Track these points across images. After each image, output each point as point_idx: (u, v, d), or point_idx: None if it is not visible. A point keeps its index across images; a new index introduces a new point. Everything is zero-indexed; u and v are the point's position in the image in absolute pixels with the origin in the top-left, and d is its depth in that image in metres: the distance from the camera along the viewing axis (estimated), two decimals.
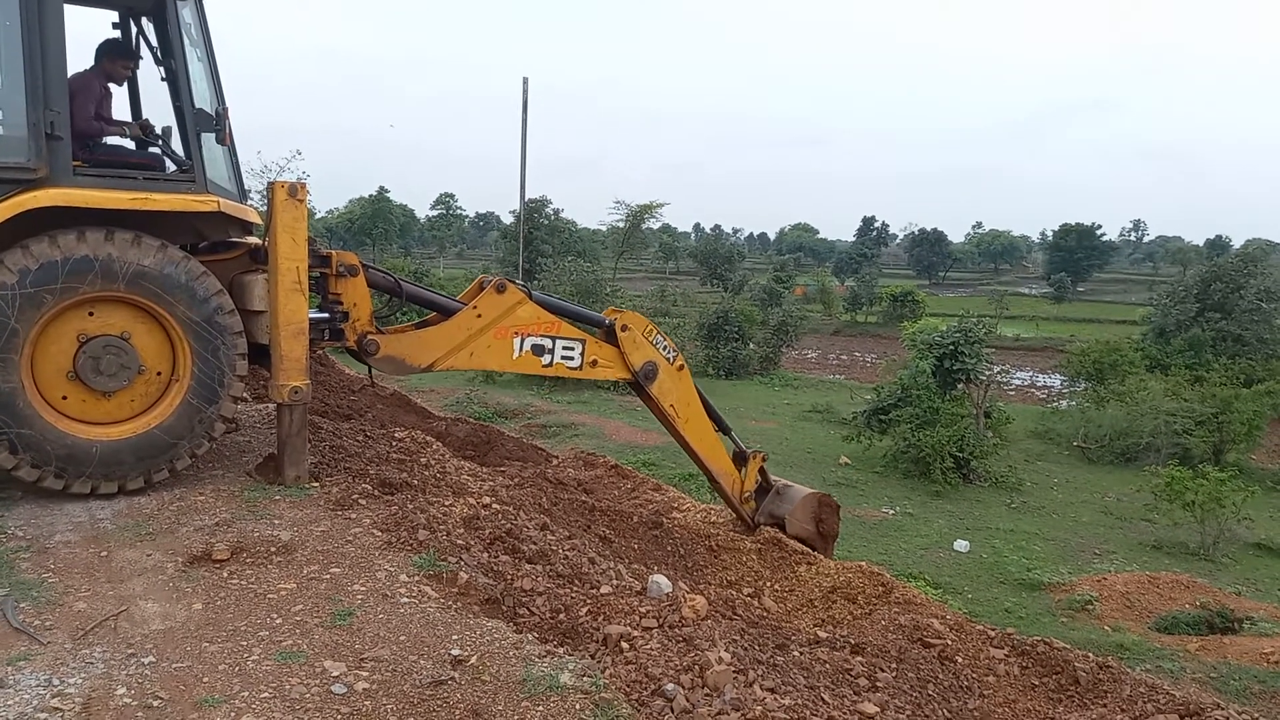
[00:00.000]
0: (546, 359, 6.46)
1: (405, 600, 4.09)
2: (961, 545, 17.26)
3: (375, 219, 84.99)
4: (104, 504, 5.05)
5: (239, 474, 5.74)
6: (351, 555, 4.52)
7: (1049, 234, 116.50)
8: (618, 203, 72.22)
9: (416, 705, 3.29)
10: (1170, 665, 10.94)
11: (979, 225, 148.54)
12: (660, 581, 4.82)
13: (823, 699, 4.06)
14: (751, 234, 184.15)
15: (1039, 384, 44.71)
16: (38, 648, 3.49)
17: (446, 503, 5.55)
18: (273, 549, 4.52)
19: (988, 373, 27.52)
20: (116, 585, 4.08)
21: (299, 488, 5.44)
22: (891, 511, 19.39)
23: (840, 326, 64.40)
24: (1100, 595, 14.13)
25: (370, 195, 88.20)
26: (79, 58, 5.36)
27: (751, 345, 39.83)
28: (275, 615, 3.88)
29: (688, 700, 3.52)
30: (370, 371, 6.39)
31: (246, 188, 6.46)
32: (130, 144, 5.92)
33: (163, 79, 5.80)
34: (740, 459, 7.57)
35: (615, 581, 5.06)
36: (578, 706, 3.34)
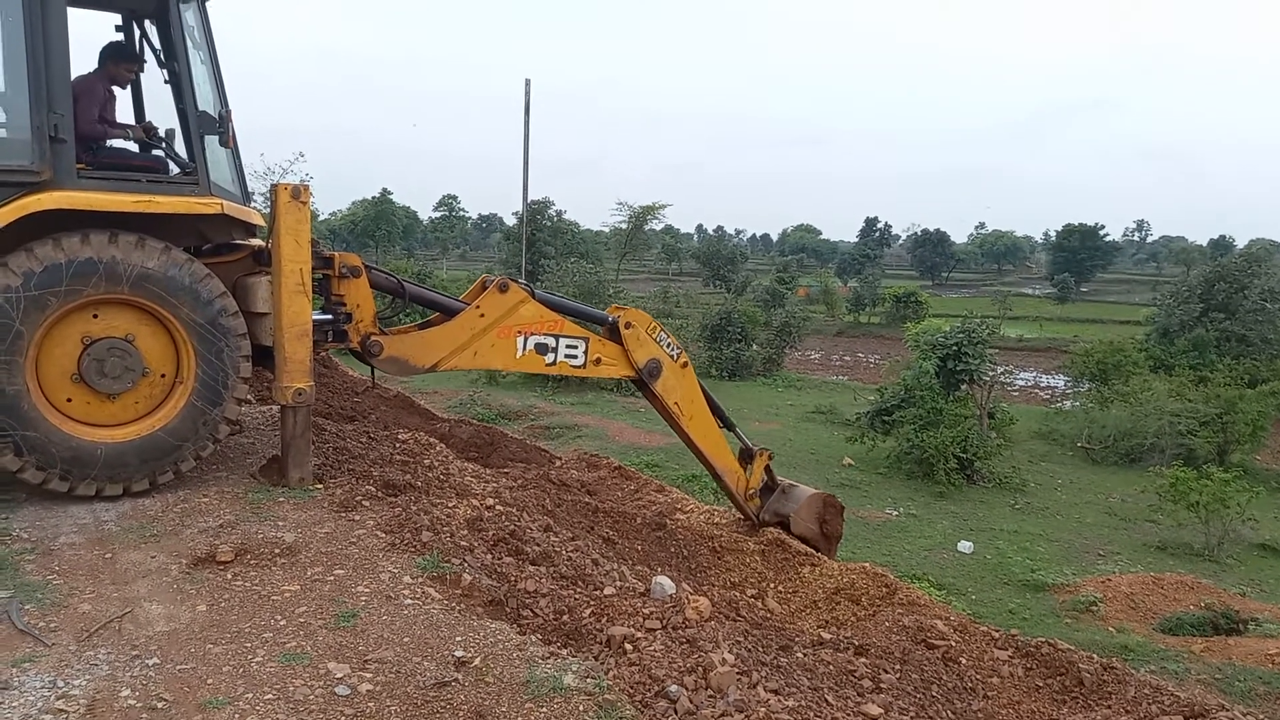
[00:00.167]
0: (550, 358, 6.47)
1: (409, 602, 4.09)
2: (965, 546, 17.24)
3: (378, 221, 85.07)
4: (108, 506, 5.06)
5: (243, 476, 5.75)
6: (355, 557, 4.52)
7: (1052, 234, 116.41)
8: (620, 204, 72.20)
9: (420, 707, 3.29)
10: (1175, 667, 10.91)
11: (982, 226, 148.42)
12: (664, 583, 4.82)
13: (826, 700, 4.06)
14: (754, 235, 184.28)
15: (1043, 385, 44.63)
16: (42, 649, 3.50)
17: (450, 504, 5.56)
18: (277, 551, 4.52)
19: (991, 373, 27.49)
20: (121, 587, 4.08)
21: (303, 489, 5.45)
22: (895, 513, 19.37)
23: (843, 327, 64.34)
24: (1105, 596, 14.10)
25: (373, 197, 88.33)
26: (82, 60, 5.37)
27: (754, 346, 39.83)
28: (279, 617, 3.88)
29: (691, 702, 3.52)
30: (373, 373, 6.40)
31: (249, 190, 6.47)
32: (134, 147, 5.93)
33: (166, 81, 5.81)
34: (746, 456, 7.58)
35: (619, 583, 5.06)
36: (581, 708, 3.34)
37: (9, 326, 4.71)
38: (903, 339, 42.66)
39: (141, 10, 5.92)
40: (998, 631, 5.77)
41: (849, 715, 3.94)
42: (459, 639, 3.79)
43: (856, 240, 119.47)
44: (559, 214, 62.39)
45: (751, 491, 7.59)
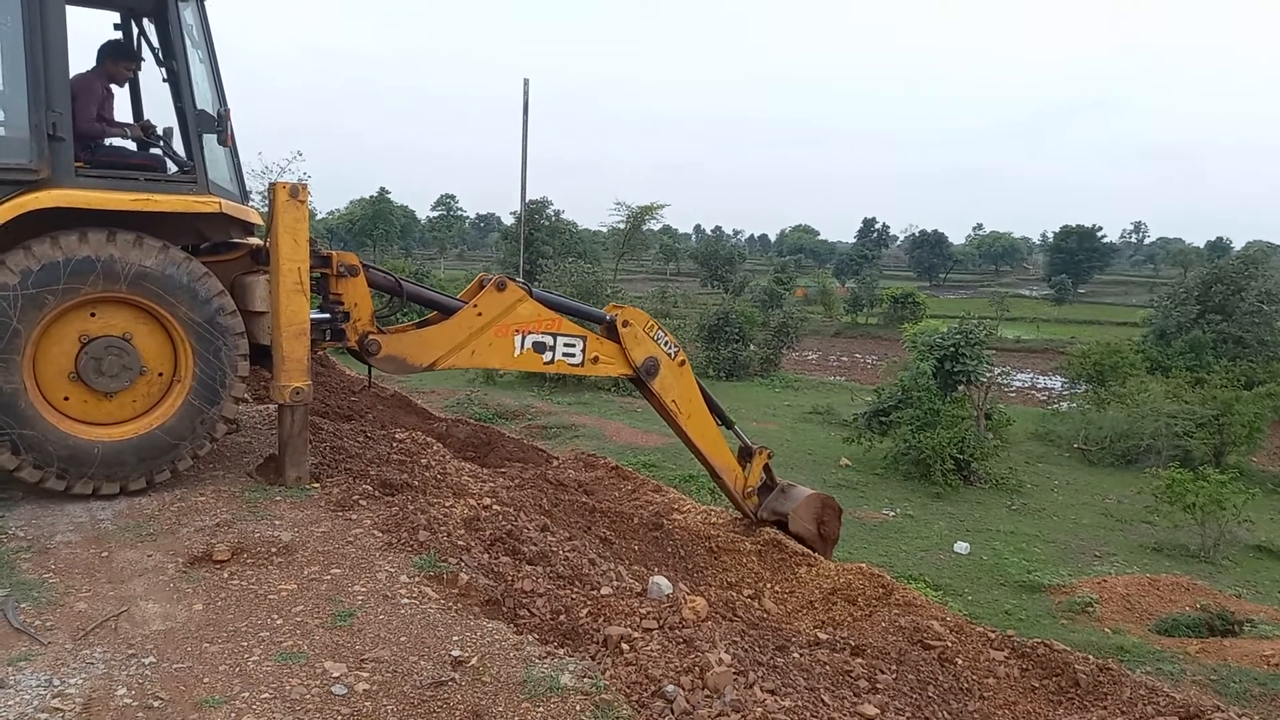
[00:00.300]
0: (548, 356, 6.47)
1: (406, 601, 4.09)
2: (962, 547, 17.26)
3: (376, 220, 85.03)
4: (104, 504, 5.05)
5: (240, 475, 5.74)
6: (352, 556, 4.52)
7: (1050, 236, 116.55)
8: (618, 204, 72.19)
9: (417, 706, 3.29)
10: (1170, 668, 10.94)
11: (979, 227, 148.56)
12: (660, 583, 4.83)
13: (823, 700, 4.06)
14: (752, 235, 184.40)
15: (1040, 386, 44.69)
16: (38, 648, 3.50)
17: (447, 504, 5.56)
18: (273, 550, 4.52)
19: (988, 374, 27.52)
20: (117, 586, 4.08)
21: (300, 489, 5.45)
22: (892, 513, 19.39)
23: (841, 328, 64.39)
24: (1100, 597, 14.12)
25: (371, 196, 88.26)
26: (79, 59, 5.37)
27: (752, 346, 39.85)
28: (276, 616, 3.88)
29: (688, 702, 3.52)
30: (370, 372, 6.40)
31: (247, 189, 6.47)
32: (132, 145, 5.92)
33: (164, 80, 5.81)
34: (746, 454, 7.59)
35: (615, 583, 5.07)
36: (578, 708, 3.34)
37: (6, 325, 4.71)
38: (900, 340, 42.74)
39: (140, 9, 5.92)
40: (994, 632, 5.78)
41: (845, 715, 3.95)
42: (456, 638, 3.79)
43: (854, 241, 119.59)
44: (557, 214, 62.36)
45: (750, 489, 7.60)
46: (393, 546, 4.68)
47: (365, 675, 3.45)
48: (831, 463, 23.32)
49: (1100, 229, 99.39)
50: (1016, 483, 22.45)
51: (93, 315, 5.02)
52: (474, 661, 3.61)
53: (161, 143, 5.86)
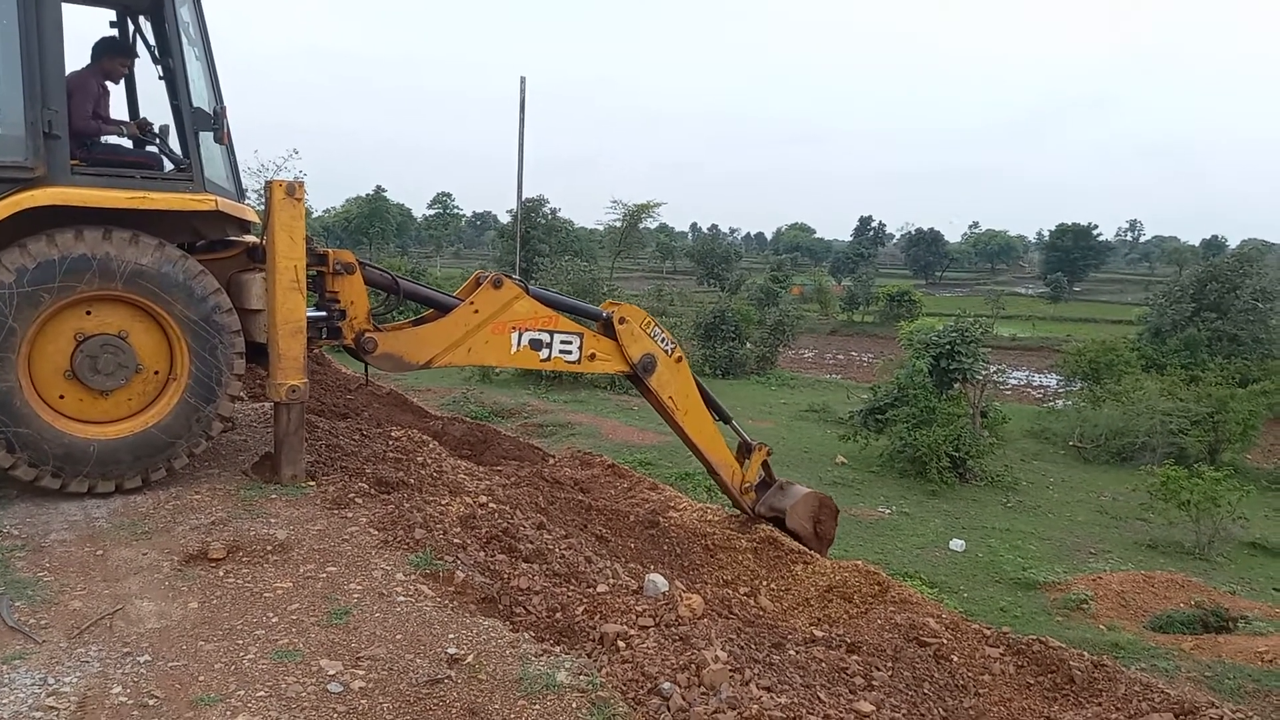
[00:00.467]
0: (544, 353, 6.47)
1: (401, 599, 4.10)
2: (957, 544, 17.28)
3: (372, 218, 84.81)
4: (99, 502, 5.05)
5: (235, 473, 5.74)
6: (348, 554, 4.52)
7: (1045, 234, 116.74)
8: (615, 202, 72.14)
9: (413, 704, 3.29)
10: (1165, 664, 10.96)
11: (975, 225, 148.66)
12: (657, 580, 4.84)
13: (819, 697, 4.07)
14: (748, 233, 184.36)
15: (1035, 384, 44.75)
16: (33, 646, 3.49)
17: (443, 502, 5.56)
18: (269, 548, 4.52)
19: (984, 372, 27.54)
20: (112, 584, 4.07)
21: (295, 487, 5.44)
22: (887, 511, 19.40)
23: (837, 326, 64.39)
24: (1095, 594, 14.15)
25: (367, 194, 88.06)
26: (75, 56, 5.36)
27: (748, 344, 39.82)
28: (271, 614, 3.88)
29: (684, 699, 3.53)
30: (366, 370, 6.39)
31: (244, 187, 6.46)
32: (128, 143, 5.91)
33: (160, 78, 5.79)
34: (745, 450, 7.61)
35: (612, 580, 5.07)
36: (574, 705, 3.34)
37: (2, 323, 4.70)
38: (896, 338, 42.71)
39: (136, 6, 5.90)
40: (989, 629, 5.79)
41: (841, 712, 3.95)
42: (452, 636, 3.80)
43: (850, 239, 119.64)
44: (553, 212, 62.30)
45: (747, 485, 7.61)
46: (388, 544, 4.68)
47: (361, 673, 3.45)
48: (827, 460, 23.33)
49: (1096, 227, 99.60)
50: (1012, 480, 22.47)
51: (88, 313, 5.01)
52: (470, 659, 3.62)
53: (157, 140, 5.85)
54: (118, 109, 6.07)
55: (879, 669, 4.81)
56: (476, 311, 6.21)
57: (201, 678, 3.36)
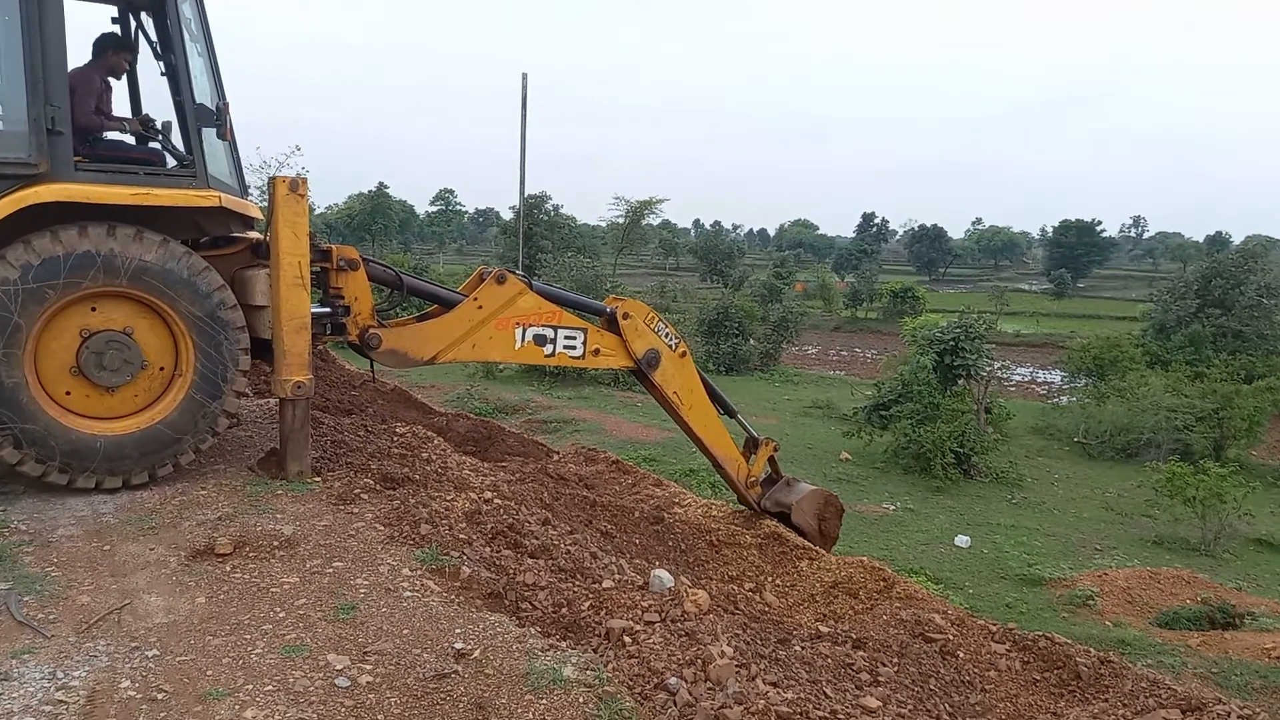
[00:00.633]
0: (549, 349, 6.47)
1: (408, 594, 4.10)
2: (962, 541, 17.28)
3: (374, 215, 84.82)
4: (106, 498, 5.05)
5: (241, 469, 5.74)
6: (354, 550, 4.53)
7: (1049, 230, 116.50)
8: (617, 198, 72.20)
9: (420, 698, 3.29)
10: (1171, 660, 10.94)
11: (979, 221, 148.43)
12: (662, 576, 4.83)
13: (825, 693, 4.07)
14: (751, 230, 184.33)
15: (1039, 380, 44.70)
16: (42, 641, 3.50)
17: (448, 498, 5.56)
18: (275, 543, 4.52)
19: (988, 369, 27.53)
20: (120, 579, 4.08)
21: (301, 482, 5.45)
22: (892, 507, 19.40)
23: (840, 323, 64.37)
24: (1101, 591, 14.14)
25: (369, 191, 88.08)
26: (76, 52, 5.35)
27: (752, 341, 39.83)
28: (278, 609, 3.88)
29: (691, 694, 3.53)
30: (372, 366, 6.39)
31: (246, 183, 6.46)
32: (131, 139, 5.91)
33: (163, 74, 5.79)
34: (752, 445, 7.61)
35: (617, 576, 5.07)
36: (581, 700, 3.34)
37: (7, 319, 4.70)
38: (900, 334, 42.70)
39: (138, 2, 5.90)
40: (995, 625, 5.78)
41: (847, 707, 3.95)
42: (458, 631, 3.80)
43: (853, 235, 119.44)
44: (556, 208, 62.33)
45: (753, 479, 7.61)
46: (394, 540, 4.69)
47: (368, 668, 3.45)
48: (831, 457, 23.33)
49: (1099, 223, 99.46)
50: (1017, 477, 22.48)
51: (93, 310, 5.01)
52: (477, 654, 3.62)
53: (160, 137, 5.85)
54: (120, 106, 6.07)
55: (885, 665, 4.80)
56: (480, 307, 6.20)
57: (209, 672, 3.36)
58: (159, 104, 5.96)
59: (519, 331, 6.33)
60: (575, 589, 4.63)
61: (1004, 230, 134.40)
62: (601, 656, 3.79)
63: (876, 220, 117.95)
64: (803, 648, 4.70)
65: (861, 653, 4.86)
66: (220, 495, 5.20)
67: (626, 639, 3.95)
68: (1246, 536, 18.26)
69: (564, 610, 4.33)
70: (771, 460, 7.73)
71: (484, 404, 23.99)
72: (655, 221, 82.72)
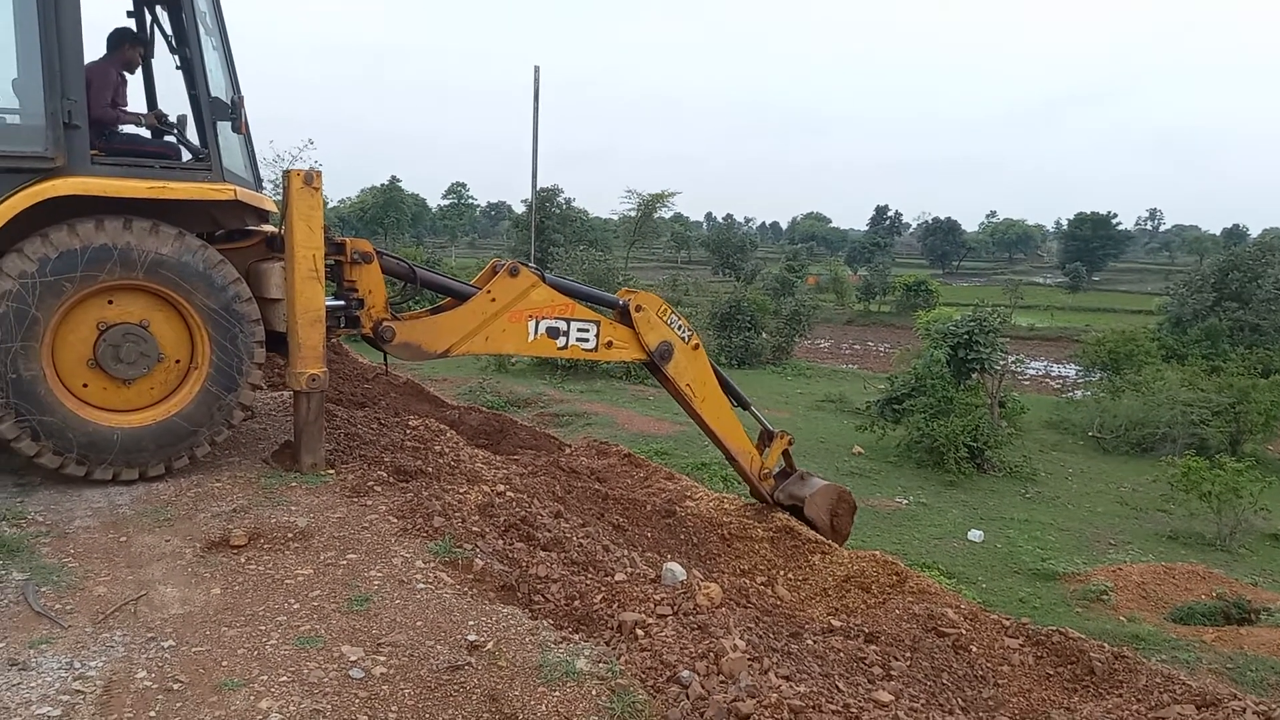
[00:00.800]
0: (561, 341, 6.47)
1: (421, 586, 4.11)
2: (976, 535, 17.22)
3: (387, 208, 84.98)
4: (122, 490, 5.09)
5: (256, 461, 5.77)
6: (368, 541, 4.55)
7: (1064, 223, 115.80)
8: (629, 192, 72.16)
9: (433, 690, 3.31)
10: (1186, 656, 10.89)
11: (993, 214, 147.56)
12: (675, 569, 4.84)
13: (837, 687, 4.07)
14: (764, 223, 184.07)
15: (1054, 374, 44.48)
16: (59, 631, 3.53)
17: (461, 490, 5.58)
18: (290, 535, 4.55)
19: (1002, 362, 27.39)
20: (136, 570, 4.11)
21: (315, 475, 5.47)
22: (905, 501, 19.35)
23: (853, 316, 64.21)
24: (1115, 586, 14.07)
25: (382, 185, 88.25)
26: (90, 46, 5.36)
27: (764, 334, 39.73)
28: (293, 600, 3.91)
29: (703, 687, 3.53)
30: (385, 359, 6.41)
31: (261, 176, 6.48)
32: (146, 133, 5.94)
33: (178, 68, 5.81)
34: (767, 438, 7.60)
35: (629, 569, 5.07)
36: (594, 692, 3.35)
37: (25, 312, 4.73)
38: (913, 328, 42.57)
39: None
40: (1008, 620, 5.76)
41: (860, 701, 3.95)
42: (471, 623, 3.81)
43: (866, 229, 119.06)
44: (568, 201, 62.31)
45: (766, 472, 7.60)
46: (408, 532, 4.71)
47: (382, 659, 3.47)
48: (844, 451, 23.27)
49: (1115, 216, 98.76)
50: (1031, 471, 22.36)
51: (110, 303, 5.04)
52: (490, 646, 3.63)
53: (175, 130, 5.88)
54: (135, 101, 6.10)
55: (897, 659, 4.79)
56: (493, 300, 6.21)
57: (225, 663, 3.38)
58: (172, 98, 5.99)
59: (532, 324, 6.34)
60: (587, 582, 4.64)
61: (1018, 223, 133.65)
62: (614, 649, 3.80)
63: (890, 213, 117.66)
64: (815, 642, 4.69)
65: (874, 647, 4.86)
66: (235, 487, 5.23)
67: (639, 632, 3.96)
68: (1262, 532, 18.13)
69: (576, 603, 4.34)
70: (786, 454, 7.72)
71: (496, 397, 24.03)
72: (667, 215, 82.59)
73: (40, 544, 4.32)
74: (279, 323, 5.54)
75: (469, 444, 7.72)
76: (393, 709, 3.19)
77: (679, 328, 6.98)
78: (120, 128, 5.75)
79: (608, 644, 3.87)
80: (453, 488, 5.58)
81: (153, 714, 3.05)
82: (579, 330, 6.52)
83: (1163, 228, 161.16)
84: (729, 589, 5.27)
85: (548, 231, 53.41)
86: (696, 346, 7.10)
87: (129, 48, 5.92)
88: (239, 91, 5.82)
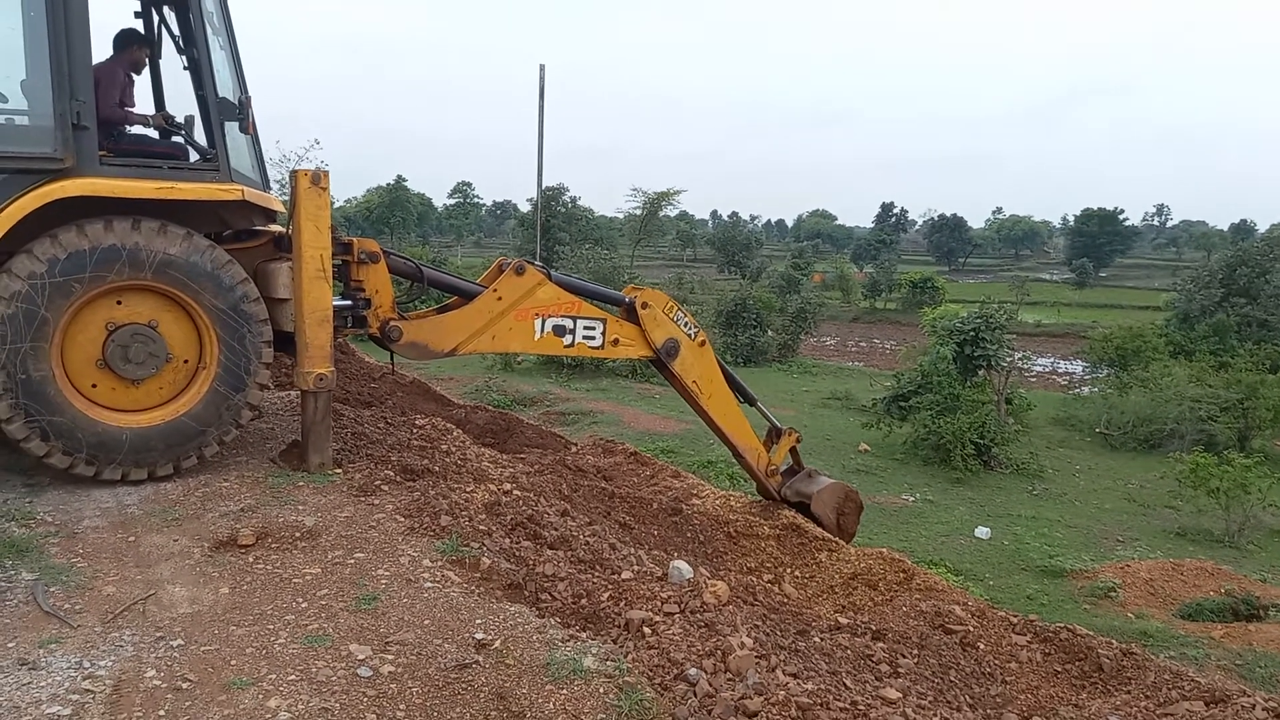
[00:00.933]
0: (568, 339, 6.48)
1: (429, 585, 4.12)
2: (983, 532, 17.19)
3: (393, 208, 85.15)
4: (130, 490, 5.11)
5: (263, 460, 5.79)
6: (375, 540, 4.56)
7: (1071, 219, 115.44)
8: (635, 190, 72.07)
9: (441, 688, 3.32)
10: (1194, 652, 10.86)
11: (999, 211, 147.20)
12: (681, 567, 4.84)
13: (845, 684, 4.06)
14: (769, 220, 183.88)
15: (1061, 370, 44.37)
16: (68, 631, 3.55)
17: (468, 489, 5.58)
18: (297, 534, 4.56)
19: (1009, 359, 27.33)
20: (144, 570, 4.13)
21: (322, 474, 5.48)
22: (911, 498, 19.33)
23: (859, 313, 64.09)
24: (1123, 582, 14.04)
25: (387, 184, 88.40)
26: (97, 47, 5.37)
27: (770, 332, 39.72)
28: (301, 599, 3.92)
29: (711, 685, 3.53)
30: (392, 358, 6.43)
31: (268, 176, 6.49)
32: (154, 133, 5.95)
33: (185, 68, 5.82)
34: (775, 435, 7.60)
35: (636, 567, 5.08)
36: (601, 690, 3.36)
37: (34, 313, 4.75)
38: (919, 325, 42.48)
39: None
40: (1016, 617, 5.75)
41: (867, 699, 3.94)
42: (479, 621, 3.82)
43: (872, 225, 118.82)
44: (573, 200, 62.31)
45: (773, 468, 7.60)
46: (415, 531, 4.71)
47: (390, 657, 3.48)
48: (850, 448, 23.25)
49: (1122, 212, 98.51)
50: (1038, 468, 22.31)
51: (119, 303, 5.06)
52: (497, 644, 3.64)
53: (183, 131, 5.89)
54: (143, 102, 6.11)
55: (905, 656, 4.79)
56: (500, 298, 6.22)
57: (233, 662, 3.40)
58: (179, 99, 6.00)
59: (538, 322, 6.34)
60: (594, 580, 4.65)
61: (1025, 219, 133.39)
62: (621, 647, 3.80)
63: (895, 210, 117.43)
64: (822, 639, 4.69)
65: (881, 644, 4.85)
66: (243, 487, 5.25)
67: (646, 630, 3.96)
68: (1271, 528, 18.06)
69: (583, 601, 4.35)
70: (793, 451, 7.72)
71: (502, 396, 24.06)
72: (673, 213, 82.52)
73: (49, 544, 4.34)
74: (286, 322, 5.55)
75: (475, 443, 7.74)
76: (401, 707, 3.20)
77: (685, 324, 6.98)
78: (128, 128, 5.76)
79: (615, 642, 3.87)
80: (459, 486, 5.59)
81: (162, 713, 3.07)
82: (585, 328, 6.53)
83: (1170, 223, 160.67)
84: (736, 587, 5.26)
85: (553, 230, 53.44)
86: (703, 343, 7.10)
87: (135, 48, 5.94)
88: (246, 91, 5.83)
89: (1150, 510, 19.61)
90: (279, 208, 6.02)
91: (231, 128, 5.59)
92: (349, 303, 5.84)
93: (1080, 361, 41.05)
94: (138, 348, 5.08)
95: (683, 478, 8.95)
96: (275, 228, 6.07)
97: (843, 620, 5.30)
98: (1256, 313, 38.34)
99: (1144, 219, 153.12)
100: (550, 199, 54.64)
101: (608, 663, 3.55)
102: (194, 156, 5.71)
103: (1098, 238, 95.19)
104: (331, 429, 5.80)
